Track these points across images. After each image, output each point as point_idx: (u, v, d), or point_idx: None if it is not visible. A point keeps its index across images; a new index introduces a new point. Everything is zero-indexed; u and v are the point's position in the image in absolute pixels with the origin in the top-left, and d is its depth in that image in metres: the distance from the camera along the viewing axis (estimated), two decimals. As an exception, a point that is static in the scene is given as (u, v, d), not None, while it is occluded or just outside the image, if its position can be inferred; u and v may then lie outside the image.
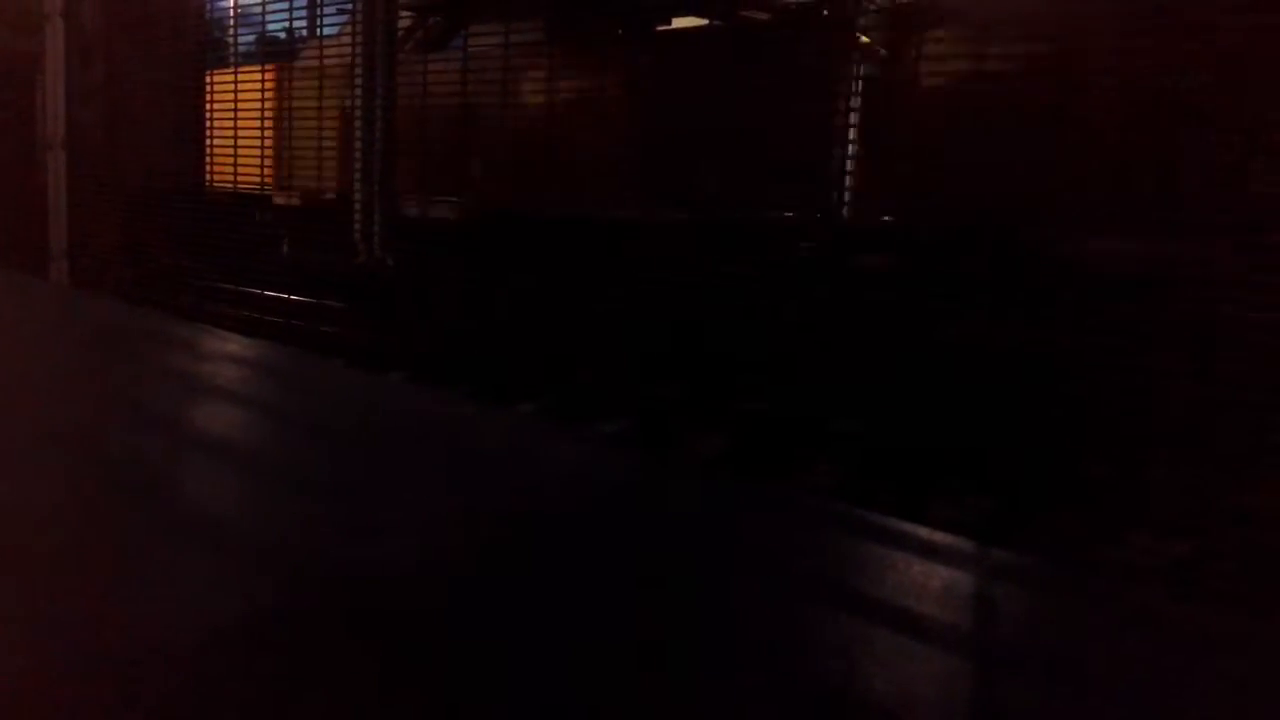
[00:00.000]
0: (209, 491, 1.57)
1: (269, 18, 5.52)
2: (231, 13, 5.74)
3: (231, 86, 5.47)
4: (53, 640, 1.00)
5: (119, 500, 1.47)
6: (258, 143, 5.30)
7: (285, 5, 5.40)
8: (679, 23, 4.47)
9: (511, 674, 0.99)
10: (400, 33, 4.93)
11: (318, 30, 5.54)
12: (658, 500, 1.63)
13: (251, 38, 5.84)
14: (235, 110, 5.44)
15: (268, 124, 5.27)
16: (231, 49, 5.75)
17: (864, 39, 3.69)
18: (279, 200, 5.59)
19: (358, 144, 4.71)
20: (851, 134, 3.62)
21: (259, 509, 1.50)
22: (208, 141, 5.73)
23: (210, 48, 5.88)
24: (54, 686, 0.92)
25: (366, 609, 1.12)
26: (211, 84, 5.68)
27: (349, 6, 5.02)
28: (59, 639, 1.00)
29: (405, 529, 1.40)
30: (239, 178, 5.51)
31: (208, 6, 5.95)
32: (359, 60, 4.70)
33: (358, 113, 4.71)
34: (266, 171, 5.36)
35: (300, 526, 1.40)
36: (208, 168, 5.77)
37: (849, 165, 3.68)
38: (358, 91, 4.69)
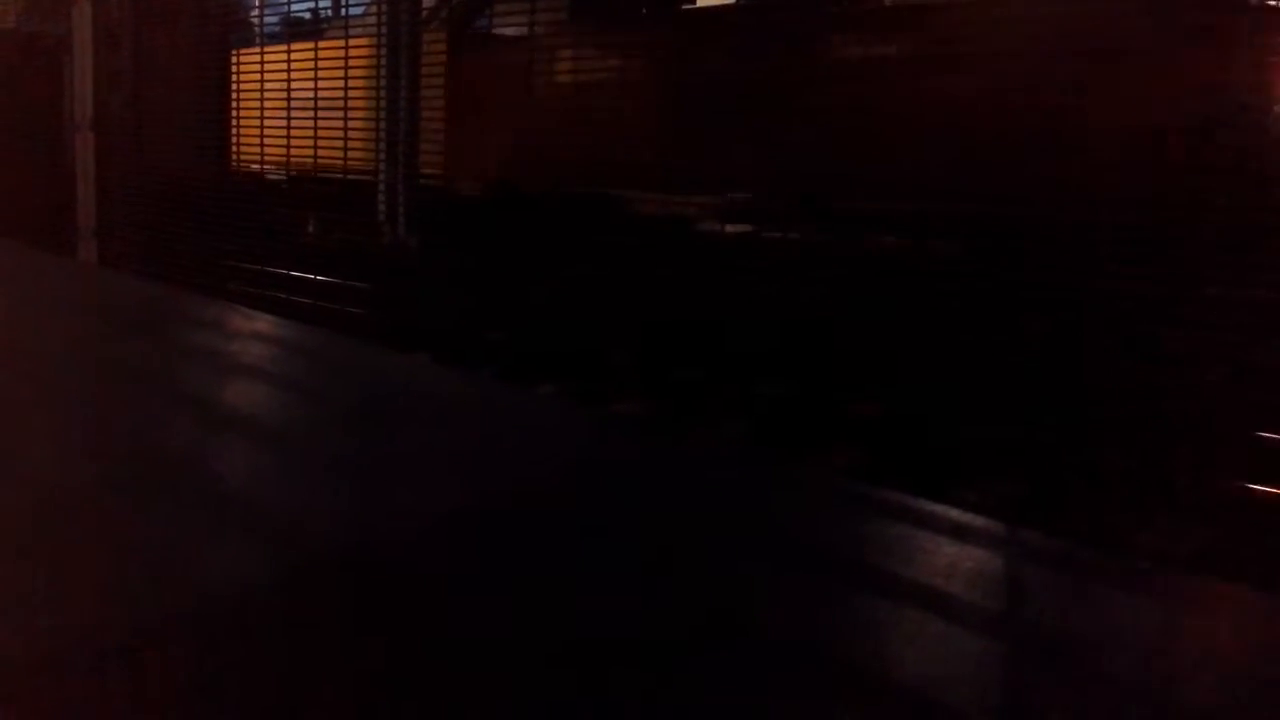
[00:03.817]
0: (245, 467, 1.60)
1: (294, -1, 5.53)
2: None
3: (258, 67, 5.49)
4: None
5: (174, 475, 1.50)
6: (283, 124, 5.31)
7: (310, -14, 5.41)
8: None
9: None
10: (425, 13, 4.92)
11: (343, 11, 5.55)
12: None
13: (277, 19, 5.86)
14: (261, 92, 5.45)
15: (294, 105, 5.28)
16: (258, 30, 5.76)
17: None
18: (304, 181, 5.61)
19: (382, 126, 4.72)
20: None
21: (295, 484, 1.53)
22: (233, 122, 5.75)
23: (236, 29, 5.90)
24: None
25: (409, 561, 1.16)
26: (238, 64, 5.70)
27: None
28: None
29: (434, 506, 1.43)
30: (265, 159, 5.53)
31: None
32: (383, 41, 4.70)
33: (382, 94, 4.72)
34: (292, 153, 5.38)
35: (330, 499, 1.43)
36: (234, 149, 5.80)
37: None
38: (382, 73, 4.70)
